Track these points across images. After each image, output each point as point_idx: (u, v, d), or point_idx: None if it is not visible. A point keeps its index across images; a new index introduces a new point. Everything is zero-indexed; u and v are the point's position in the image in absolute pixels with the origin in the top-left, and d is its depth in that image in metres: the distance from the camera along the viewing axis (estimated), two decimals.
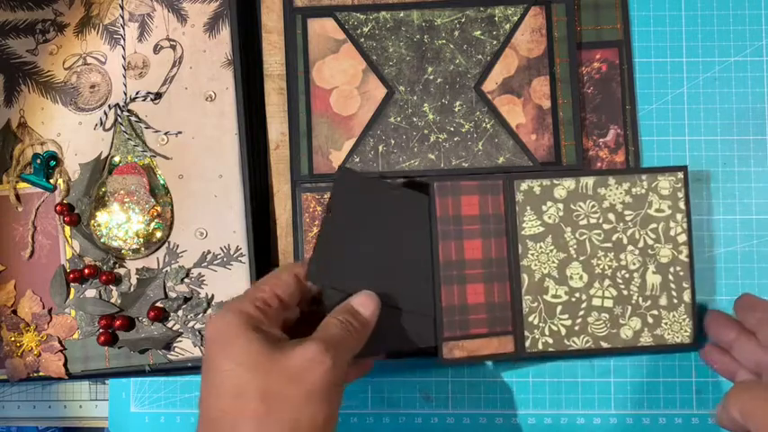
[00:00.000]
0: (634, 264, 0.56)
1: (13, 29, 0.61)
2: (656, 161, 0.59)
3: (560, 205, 0.56)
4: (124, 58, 0.59)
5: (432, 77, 0.59)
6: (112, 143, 0.59)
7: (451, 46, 0.59)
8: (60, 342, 0.58)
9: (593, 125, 0.59)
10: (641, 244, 0.56)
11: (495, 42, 0.59)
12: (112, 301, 0.58)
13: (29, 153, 0.59)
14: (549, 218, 0.56)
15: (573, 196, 0.56)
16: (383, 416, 0.60)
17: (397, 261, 0.54)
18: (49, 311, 0.59)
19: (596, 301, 0.56)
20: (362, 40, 0.59)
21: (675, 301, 0.56)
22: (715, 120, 0.60)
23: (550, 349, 0.55)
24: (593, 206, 0.56)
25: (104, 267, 0.58)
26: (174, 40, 0.59)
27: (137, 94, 0.59)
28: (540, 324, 0.55)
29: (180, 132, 0.59)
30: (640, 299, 0.56)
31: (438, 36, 0.59)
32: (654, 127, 0.60)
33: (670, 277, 0.56)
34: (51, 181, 0.59)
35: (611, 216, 0.56)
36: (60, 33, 0.60)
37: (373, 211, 0.54)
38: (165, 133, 0.59)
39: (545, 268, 0.55)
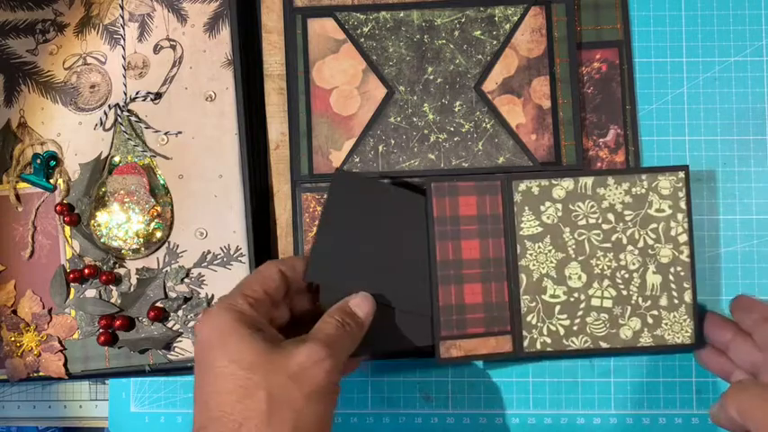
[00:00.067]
0: (634, 264, 0.56)
1: (13, 29, 0.61)
2: (656, 161, 0.60)
3: (559, 205, 0.56)
4: (124, 58, 0.60)
5: (432, 77, 0.59)
6: (112, 143, 0.60)
7: (451, 46, 0.59)
8: (60, 342, 0.59)
9: (593, 125, 0.59)
10: (641, 244, 0.56)
11: (495, 42, 0.59)
12: (112, 301, 0.59)
13: (29, 153, 0.60)
14: (548, 218, 0.56)
15: (572, 196, 0.56)
16: (383, 416, 0.60)
17: (395, 261, 0.55)
18: (49, 311, 0.59)
19: (595, 302, 0.56)
20: (362, 40, 0.59)
21: (676, 301, 0.56)
22: (715, 120, 0.60)
23: (549, 349, 0.56)
24: (593, 206, 0.56)
25: (104, 267, 0.59)
26: (173, 40, 0.60)
27: (137, 94, 0.59)
28: (539, 324, 0.56)
29: (180, 132, 0.59)
30: (640, 299, 0.56)
31: (438, 36, 0.59)
32: (654, 127, 0.60)
33: (670, 277, 0.56)
34: (51, 181, 0.60)
35: (611, 216, 0.56)
36: (60, 33, 0.61)
37: (371, 212, 0.55)
38: (165, 133, 0.59)
39: (543, 268, 0.56)
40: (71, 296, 0.59)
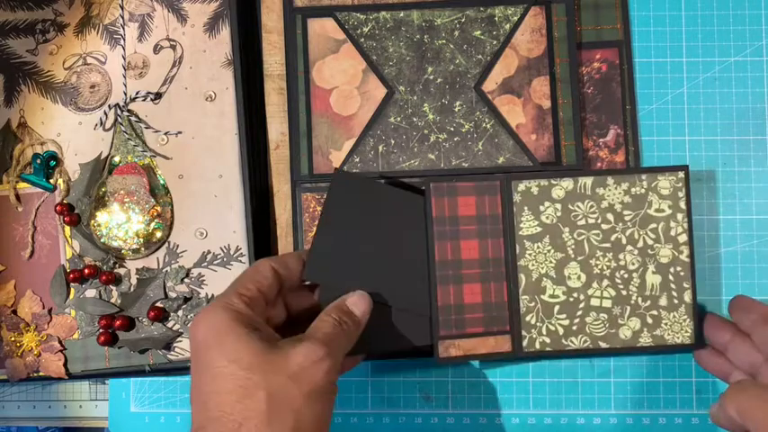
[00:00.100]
0: (633, 264, 0.56)
1: (13, 29, 0.61)
2: (656, 161, 0.60)
3: (558, 205, 0.56)
4: (124, 58, 0.60)
5: (432, 77, 0.59)
6: (112, 143, 0.60)
7: (451, 46, 0.59)
8: (60, 342, 0.59)
9: (593, 125, 0.60)
10: (641, 244, 0.56)
11: (495, 42, 0.59)
12: (112, 301, 0.59)
13: (29, 153, 0.60)
14: (547, 218, 0.56)
15: (571, 196, 0.56)
16: (383, 416, 0.60)
17: (394, 261, 0.55)
18: (49, 311, 0.59)
19: (594, 302, 0.56)
20: (362, 40, 0.60)
21: (676, 301, 0.56)
22: (715, 120, 0.60)
23: (548, 349, 0.56)
24: (592, 206, 0.56)
25: (104, 267, 0.59)
26: (174, 40, 0.60)
27: (137, 94, 0.60)
28: (538, 324, 0.56)
29: (180, 132, 0.59)
30: (640, 299, 0.56)
31: (438, 36, 0.59)
32: (654, 127, 0.61)
33: (670, 277, 0.56)
34: (51, 181, 0.60)
35: (610, 216, 0.56)
36: (60, 33, 0.61)
37: (370, 212, 0.55)
38: (165, 133, 0.59)
39: (542, 268, 0.56)
40: (71, 296, 0.59)
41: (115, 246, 0.58)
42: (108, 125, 0.60)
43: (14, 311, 0.60)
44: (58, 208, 0.59)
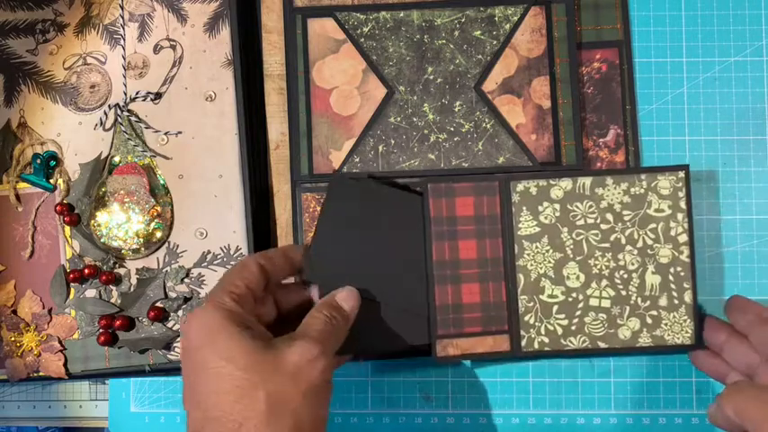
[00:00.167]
0: (633, 264, 0.57)
1: (13, 29, 0.62)
2: (656, 161, 0.61)
3: (557, 206, 0.57)
4: (124, 58, 0.61)
5: (432, 77, 0.60)
6: (112, 143, 0.60)
7: (451, 46, 0.60)
8: (60, 342, 0.59)
9: (593, 125, 0.60)
10: (640, 244, 0.57)
11: (495, 42, 0.60)
12: (112, 301, 0.59)
13: (29, 153, 0.61)
14: (546, 218, 0.57)
15: (570, 197, 0.57)
16: (383, 416, 0.61)
17: (393, 261, 0.56)
18: (49, 311, 0.60)
19: (593, 302, 0.57)
20: (362, 40, 0.60)
21: (676, 301, 0.56)
22: (715, 120, 0.61)
23: (546, 349, 0.57)
24: (591, 206, 0.57)
25: (104, 267, 0.59)
26: (174, 40, 0.60)
27: (137, 94, 0.60)
28: (537, 323, 0.56)
29: (180, 132, 0.60)
30: (639, 299, 0.57)
31: (438, 36, 0.60)
32: (654, 127, 0.61)
33: (670, 278, 0.57)
34: (51, 181, 0.60)
35: (609, 216, 0.57)
36: (60, 33, 0.61)
37: (369, 213, 0.56)
38: (165, 133, 0.60)
39: (541, 268, 0.57)
40: (71, 296, 0.60)
41: (115, 246, 0.59)
42: (108, 125, 0.60)
43: (14, 311, 0.60)
44: (58, 208, 0.60)
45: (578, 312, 0.57)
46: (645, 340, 0.57)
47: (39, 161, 0.60)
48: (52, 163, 0.60)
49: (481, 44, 0.60)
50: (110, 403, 0.62)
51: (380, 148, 0.60)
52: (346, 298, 0.52)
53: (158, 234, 0.59)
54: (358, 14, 0.60)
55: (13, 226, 0.61)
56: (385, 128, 0.60)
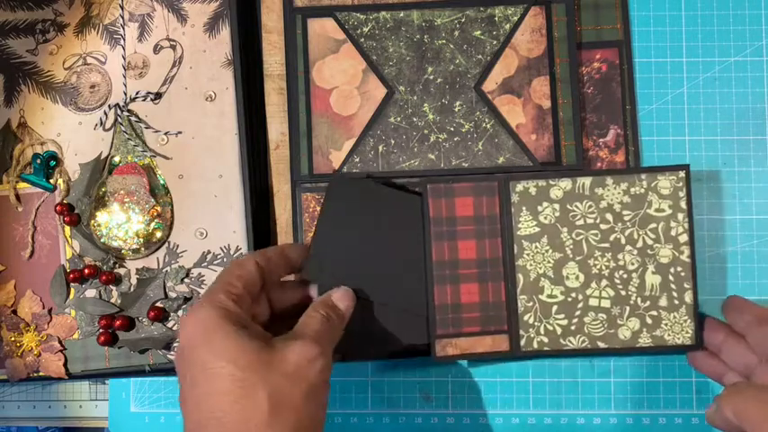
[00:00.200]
0: (632, 264, 0.57)
1: (13, 29, 0.62)
2: (656, 161, 0.61)
3: (556, 206, 0.57)
4: (124, 58, 0.61)
5: (432, 77, 0.60)
6: (112, 143, 0.60)
7: (451, 46, 0.60)
8: (60, 342, 0.60)
9: (593, 125, 0.60)
10: (640, 244, 0.57)
11: (495, 42, 0.60)
12: (112, 301, 0.60)
13: (29, 153, 0.61)
14: (545, 218, 0.57)
15: (569, 197, 0.57)
16: (383, 416, 0.61)
17: (392, 262, 0.56)
18: (49, 311, 0.60)
19: (593, 302, 0.57)
20: (362, 40, 0.60)
21: (676, 302, 0.57)
22: (715, 120, 0.61)
23: (546, 348, 0.57)
24: (590, 206, 0.57)
25: (104, 267, 0.60)
26: (174, 40, 0.61)
27: (137, 94, 0.60)
28: (536, 323, 0.57)
29: (180, 132, 0.60)
30: (639, 299, 0.57)
31: (438, 36, 0.60)
32: (654, 127, 0.61)
33: (670, 278, 0.57)
34: (51, 181, 0.61)
35: (609, 216, 0.57)
36: (60, 33, 0.62)
37: (368, 214, 0.56)
38: (165, 133, 0.60)
39: (540, 268, 0.57)
40: (71, 296, 0.60)
41: (115, 246, 0.59)
42: (108, 125, 0.61)
43: (14, 311, 0.60)
44: (58, 208, 0.60)
45: (578, 312, 0.57)
46: (645, 340, 0.57)
47: (39, 161, 0.60)
48: (52, 163, 0.60)
49: (481, 44, 0.60)
50: (110, 403, 0.62)
51: (380, 148, 0.60)
52: (341, 297, 0.53)
53: (158, 234, 0.59)
54: (358, 14, 0.61)
55: (13, 226, 0.61)
56: (385, 128, 0.60)
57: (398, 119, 0.60)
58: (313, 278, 0.55)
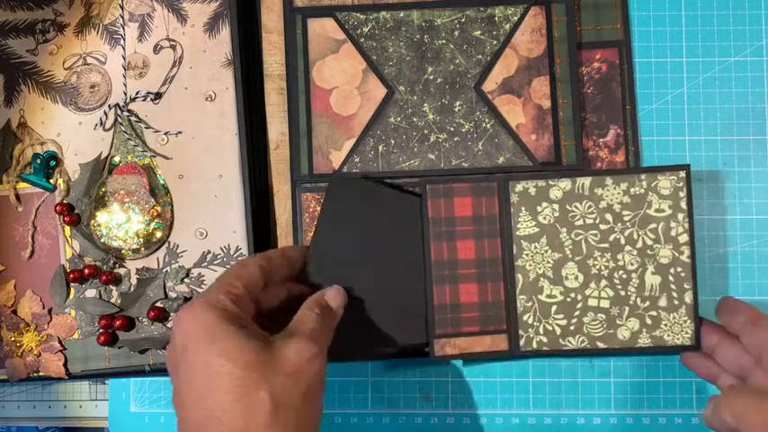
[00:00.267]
0: (632, 264, 0.57)
1: (13, 29, 0.62)
2: (656, 161, 0.61)
3: (556, 206, 0.57)
4: (124, 58, 0.61)
5: (432, 77, 0.60)
6: (112, 143, 0.61)
7: (451, 46, 0.60)
8: (60, 342, 0.60)
9: (593, 125, 0.61)
10: (640, 244, 0.57)
11: (495, 42, 0.60)
12: (112, 301, 0.60)
13: (29, 153, 0.61)
14: (544, 218, 0.57)
15: (569, 197, 0.57)
16: (383, 416, 0.61)
17: (392, 262, 0.57)
18: (49, 311, 0.60)
19: (592, 302, 0.57)
20: (362, 40, 0.61)
21: (676, 302, 0.57)
22: (715, 120, 0.61)
23: (545, 348, 0.57)
24: (590, 207, 0.57)
25: (104, 267, 0.60)
26: (174, 40, 0.61)
27: (137, 94, 0.60)
28: (535, 323, 0.57)
29: (180, 132, 0.60)
30: (638, 300, 0.57)
31: (438, 36, 0.60)
32: (654, 127, 0.61)
33: (670, 278, 0.57)
34: (51, 181, 0.61)
35: (609, 216, 0.57)
36: (60, 33, 0.62)
37: (368, 214, 0.57)
38: (165, 133, 0.60)
39: (540, 268, 0.57)
40: (71, 296, 0.60)
41: (115, 246, 0.59)
42: (108, 125, 0.61)
43: (14, 311, 0.61)
44: (58, 208, 0.60)
45: (577, 312, 0.57)
46: (644, 341, 0.57)
47: (39, 161, 0.60)
48: (52, 163, 0.61)
49: (481, 44, 0.60)
50: (110, 403, 0.63)
51: (380, 148, 0.60)
52: (334, 296, 0.53)
53: (158, 234, 0.59)
54: (358, 14, 0.61)
55: (13, 226, 0.61)
56: (385, 128, 0.60)
57: (398, 119, 0.60)
58: (312, 278, 0.56)
